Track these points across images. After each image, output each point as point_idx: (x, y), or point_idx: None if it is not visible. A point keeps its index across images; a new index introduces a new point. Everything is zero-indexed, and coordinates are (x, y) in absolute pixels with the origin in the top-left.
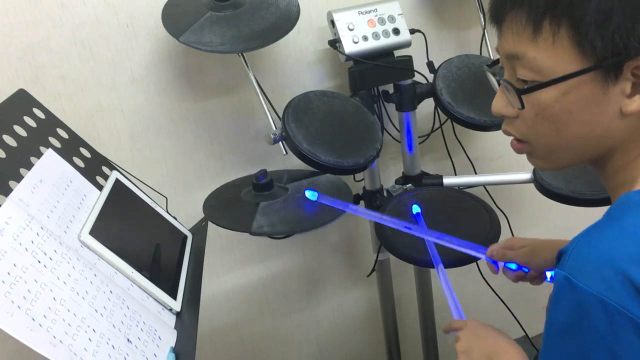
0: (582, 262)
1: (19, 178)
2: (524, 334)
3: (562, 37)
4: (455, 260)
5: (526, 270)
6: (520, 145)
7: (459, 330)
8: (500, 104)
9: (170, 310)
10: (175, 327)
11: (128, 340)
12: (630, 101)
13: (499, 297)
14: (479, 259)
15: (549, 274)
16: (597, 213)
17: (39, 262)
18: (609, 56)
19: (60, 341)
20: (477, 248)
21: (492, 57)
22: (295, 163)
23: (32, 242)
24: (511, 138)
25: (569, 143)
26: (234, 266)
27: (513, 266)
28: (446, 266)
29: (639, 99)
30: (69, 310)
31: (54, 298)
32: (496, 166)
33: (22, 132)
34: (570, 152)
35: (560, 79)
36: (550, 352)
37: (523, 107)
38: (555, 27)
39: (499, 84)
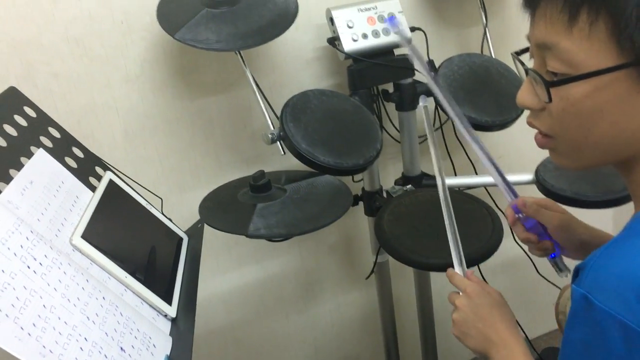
0: (600, 281)
1: (8, 179)
2: (524, 335)
3: (599, 28)
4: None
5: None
6: (545, 140)
7: (460, 291)
8: (526, 95)
9: (165, 316)
10: (171, 334)
11: (121, 348)
12: None
13: None
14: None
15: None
16: (599, 215)
17: (29, 267)
18: None
19: (51, 351)
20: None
21: (493, 56)
22: (293, 163)
23: (21, 246)
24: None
25: (596, 142)
26: (230, 267)
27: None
28: (446, 269)
29: None
30: (59, 318)
31: (43, 305)
32: None
33: (12, 131)
34: (595, 152)
35: (593, 74)
36: None
37: (550, 100)
38: (592, 17)
39: (527, 74)
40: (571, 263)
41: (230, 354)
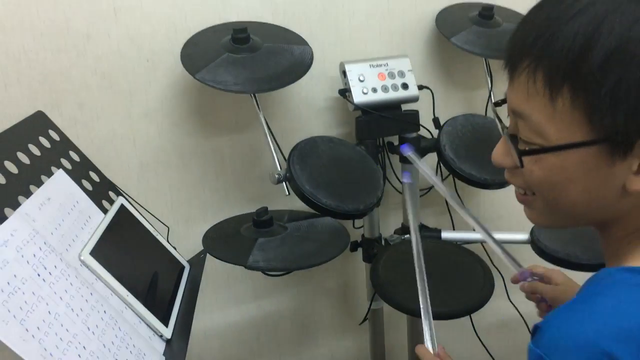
0: (556, 343)
1: (28, 194)
2: None
3: (575, 107)
4: (449, 313)
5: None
6: (523, 197)
7: None
8: (501, 154)
9: (161, 336)
10: (164, 354)
11: None
12: (636, 178)
13: (492, 357)
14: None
15: None
16: None
17: (39, 275)
18: (619, 131)
19: (51, 354)
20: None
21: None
22: (297, 205)
23: (34, 255)
24: (511, 193)
25: (568, 206)
26: (227, 303)
27: None
28: (438, 318)
29: None
30: (62, 325)
31: (49, 312)
32: (495, 225)
33: (36, 151)
34: (569, 215)
35: (564, 147)
36: None
37: (522, 166)
38: (573, 97)
39: (503, 132)
40: None
41: None
